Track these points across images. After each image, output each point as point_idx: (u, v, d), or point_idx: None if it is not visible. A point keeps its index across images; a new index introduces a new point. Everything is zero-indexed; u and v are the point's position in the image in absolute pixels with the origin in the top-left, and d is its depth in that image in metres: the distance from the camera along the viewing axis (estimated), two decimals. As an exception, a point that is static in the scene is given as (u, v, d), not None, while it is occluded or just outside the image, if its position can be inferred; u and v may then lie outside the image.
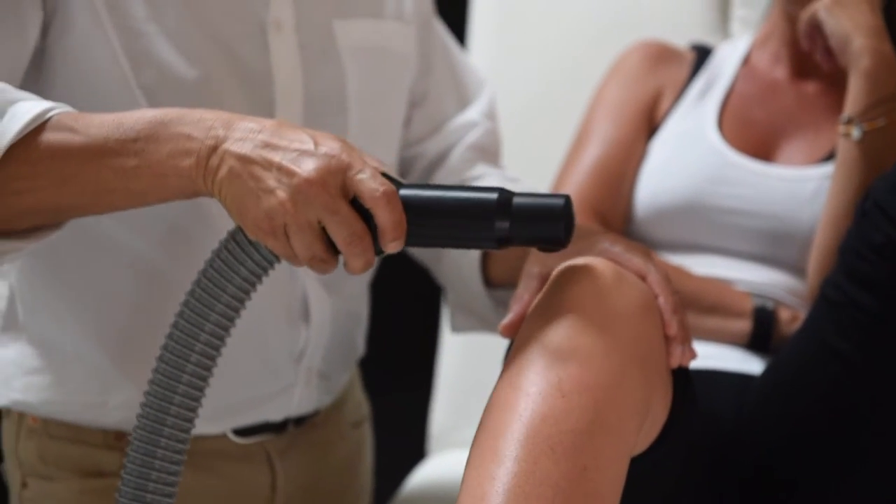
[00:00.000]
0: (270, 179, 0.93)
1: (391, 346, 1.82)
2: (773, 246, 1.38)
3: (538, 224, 0.95)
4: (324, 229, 0.94)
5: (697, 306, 1.33)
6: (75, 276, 1.18)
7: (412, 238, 0.96)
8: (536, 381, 0.93)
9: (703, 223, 1.40)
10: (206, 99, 1.14)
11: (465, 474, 0.92)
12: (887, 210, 1.14)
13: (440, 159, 1.36)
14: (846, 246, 1.19)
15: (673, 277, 1.08)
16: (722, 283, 1.37)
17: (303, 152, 0.94)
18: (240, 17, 1.17)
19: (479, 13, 1.86)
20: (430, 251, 1.36)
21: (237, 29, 1.17)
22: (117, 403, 1.19)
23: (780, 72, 1.48)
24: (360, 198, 0.93)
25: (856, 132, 1.30)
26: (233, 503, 1.27)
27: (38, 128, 0.99)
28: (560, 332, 0.95)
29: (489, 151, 1.39)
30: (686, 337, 1.05)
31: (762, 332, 1.34)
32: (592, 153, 1.47)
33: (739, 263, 1.39)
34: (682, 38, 1.61)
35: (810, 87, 1.46)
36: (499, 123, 1.43)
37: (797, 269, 1.37)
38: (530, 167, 1.55)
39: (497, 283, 1.28)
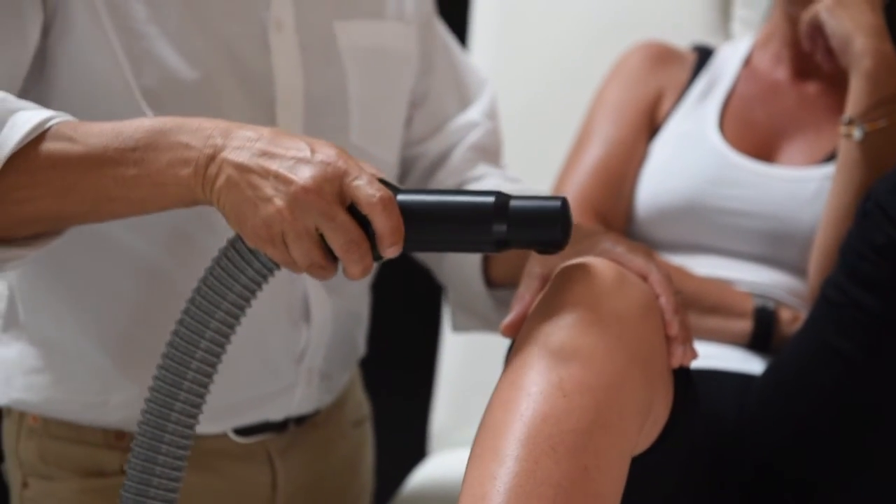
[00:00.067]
0: (268, 188, 0.94)
1: (392, 346, 1.83)
2: (774, 246, 1.38)
3: (536, 227, 0.95)
4: (322, 236, 0.95)
5: (698, 306, 1.33)
6: (77, 277, 1.18)
7: (410, 243, 0.96)
8: (538, 381, 0.93)
9: (704, 224, 1.40)
10: (207, 100, 1.14)
11: (466, 473, 0.92)
12: (888, 210, 1.14)
13: (441, 159, 1.36)
14: (847, 246, 1.19)
15: (674, 278, 1.08)
16: (723, 284, 1.37)
17: (299, 160, 0.94)
18: (241, 17, 1.17)
19: (481, 13, 1.86)
20: (432, 251, 1.36)
21: (238, 29, 1.17)
22: (118, 403, 1.19)
23: (782, 72, 1.48)
24: (357, 204, 0.94)
25: (857, 133, 1.30)
26: (234, 502, 1.26)
27: (37, 137, 1.00)
28: (561, 332, 0.95)
29: (490, 151, 1.39)
30: (687, 337, 1.05)
31: (763, 332, 1.34)
32: (593, 154, 1.47)
33: (740, 264, 1.39)
34: (683, 39, 1.61)
35: (811, 88, 1.46)
36: (500, 123, 1.43)
37: (798, 270, 1.37)
38: (531, 167, 1.55)
39: (498, 283, 1.28)
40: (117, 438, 1.21)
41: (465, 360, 1.75)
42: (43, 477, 1.22)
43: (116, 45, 1.11)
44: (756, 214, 1.38)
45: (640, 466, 1.00)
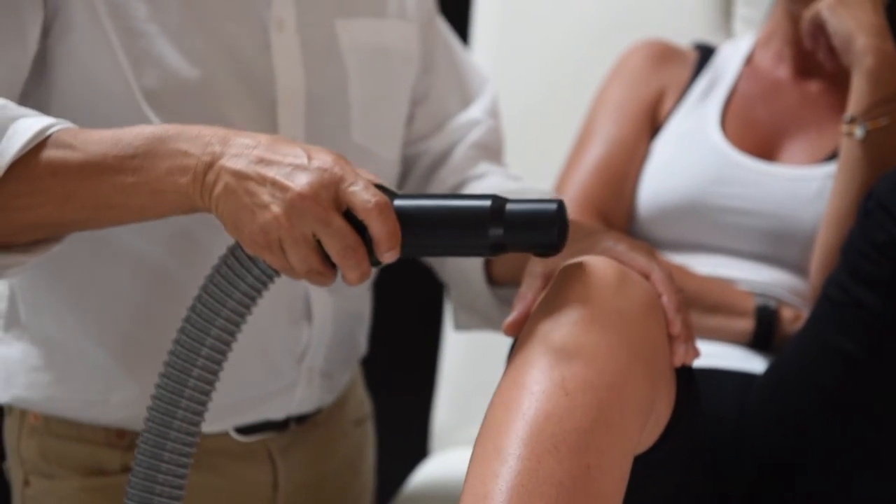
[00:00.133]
0: (265, 194, 0.94)
1: (394, 345, 1.83)
2: (776, 245, 1.38)
3: (532, 230, 0.96)
4: (319, 242, 0.95)
5: (700, 305, 1.33)
6: (79, 277, 1.18)
7: (407, 248, 0.97)
8: (540, 380, 0.93)
9: (705, 223, 1.40)
10: (207, 99, 1.14)
11: (468, 472, 0.92)
12: (890, 209, 1.14)
13: (443, 157, 1.36)
14: (849, 245, 1.19)
15: (675, 277, 1.08)
16: (724, 283, 1.37)
17: (296, 167, 0.95)
18: (241, 16, 1.17)
19: (482, 12, 1.86)
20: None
21: (239, 29, 1.17)
22: (119, 401, 1.19)
23: (783, 71, 1.48)
24: (353, 209, 0.95)
25: (859, 131, 1.30)
26: (235, 501, 1.26)
27: (38, 145, 1.00)
28: (564, 331, 0.95)
29: (492, 149, 1.39)
30: (689, 336, 1.05)
31: (764, 331, 1.34)
32: (595, 153, 1.47)
33: (742, 263, 1.39)
34: (684, 38, 1.61)
35: (813, 87, 1.46)
36: (501, 122, 1.43)
37: (800, 269, 1.37)
38: (533, 166, 1.55)
39: (500, 281, 1.28)
40: (118, 437, 1.21)
41: (467, 359, 1.74)
42: (44, 475, 1.22)
43: (116, 45, 1.11)
44: (758, 213, 1.38)
45: (642, 465, 1.00)
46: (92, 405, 1.20)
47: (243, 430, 1.25)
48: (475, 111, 1.38)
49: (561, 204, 0.96)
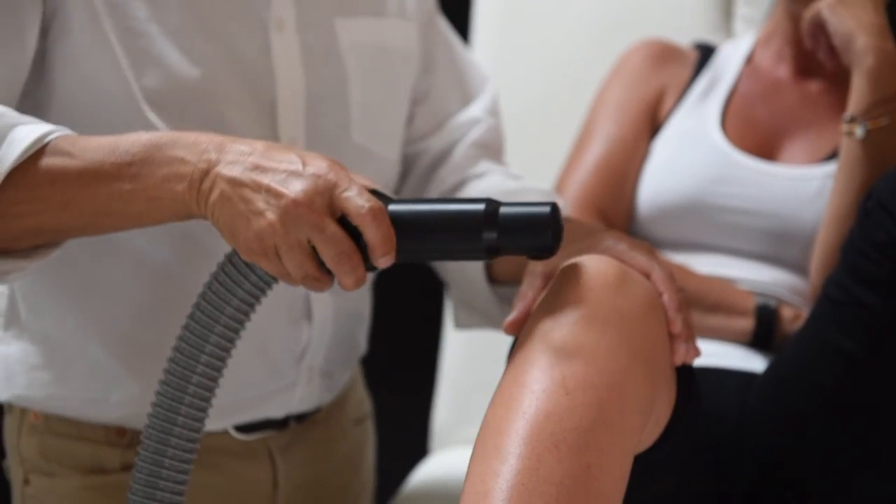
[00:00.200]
0: (260, 201, 0.95)
1: (394, 344, 1.82)
2: (776, 245, 1.38)
3: (526, 234, 0.96)
4: (315, 248, 0.96)
5: (700, 305, 1.33)
6: (79, 276, 1.18)
7: (402, 253, 0.97)
8: (541, 379, 0.93)
9: (705, 222, 1.40)
10: (207, 99, 1.14)
11: (468, 471, 0.92)
12: (890, 209, 1.14)
13: (443, 156, 1.36)
14: (849, 244, 1.19)
15: (676, 276, 1.08)
16: (724, 282, 1.37)
17: (291, 173, 0.95)
18: (241, 16, 1.17)
19: (482, 12, 1.86)
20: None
21: (239, 29, 1.17)
22: (119, 399, 1.19)
23: (784, 70, 1.48)
24: (347, 215, 0.95)
25: (859, 131, 1.30)
26: (234, 499, 1.26)
27: (36, 153, 1.01)
28: (564, 330, 0.95)
29: (492, 148, 1.38)
30: (690, 335, 1.05)
31: (764, 330, 1.34)
32: (595, 152, 1.47)
33: (742, 262, 1.39)
34: (685, 37, 1.61)
35: (813, 86, 1.46)
36: (502, 121, 1.43)
37: (800, 268, 1.37)
38: (533, 166, 1.55)
39: (501, 280, 1.28)
40: (118, 435, 1.21)
41: (467, 358, 1.75)
42: (44, 473, 1.22)
43: (116, 45, 1.11)
44: (758, 213, 1.38)
45: (643, 464, 1.00)
46: (92, 403, 1.20)
47: (243, 428, 1.25)
48: (475, 110, 1.38)
49: (554, 207, 0.96)
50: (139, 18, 1.12)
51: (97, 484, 1.21)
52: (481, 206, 0.96)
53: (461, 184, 1.33)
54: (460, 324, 1.38)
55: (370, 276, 1.35)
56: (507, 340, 1.08)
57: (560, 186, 1.47)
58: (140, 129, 1.09)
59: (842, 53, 1.33)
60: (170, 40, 1.13)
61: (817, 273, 1.32)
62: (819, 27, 1.37)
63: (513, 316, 1.05)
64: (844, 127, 1.31)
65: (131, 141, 1.00)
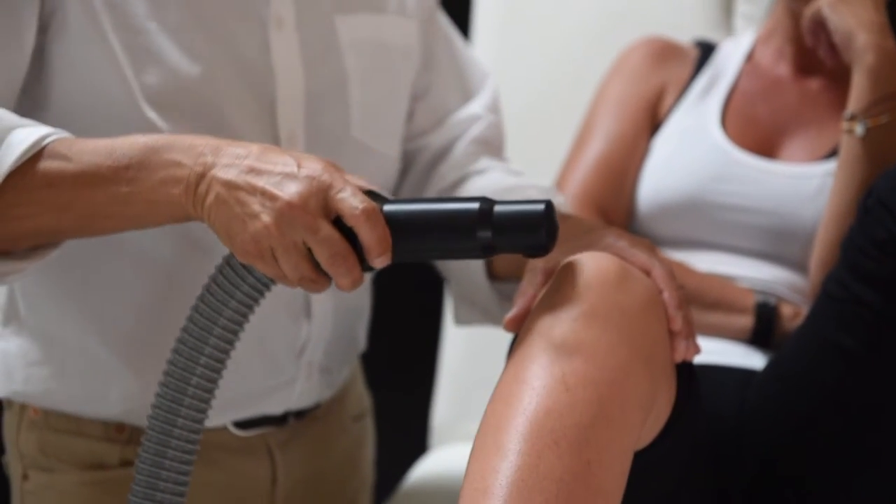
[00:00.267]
0: (255, 204, 0.96)
1: (394, 340, 1.83)
2: (776, 243, 1.38)
3: (520, 232, 0.96)
4: (310, 250, 0.96)
5: (700, 302, 1.33)
6: (79, 272, 1.18)
7: (398, 253, 0.98)
8: (541, 375, 0.93)
9: (705, 220, 1.40)
10: (207, 97, 1.14)
11: (468, 467, 0.92)
12: (890, 206, 1.14)
13: (444, 153, 1.36)
14: (849, 242, 1.19)
15: (676, 273, 1.08)
16: (724, 280, 1.37)
17: (286, 175, 0.96)
18: (241, 13, 1.17)
19: (483, 10, 1.86)
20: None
21: (238, 26, 1.17)
22: (118, 395, 1.19)
23: (784, 68, 1.48)
24: (342, 216, 0.96)
25: (859, 129, 1.30)
26: (233, 495, 1.26)
27: (34, 156, 1.01)
28: (565, 327, 0.95)
29: (493, 145, 1.38)
30: (690, 332, 1.05)
31: (764, 327, 1.34)
32: (595, 149, 1.47)
33: (742, 260, 1.39)
34: (685, 35, 1.61)
35: (814, 84, 1.46)
36: (502, 117, 1.43)
37: (800, 266, 1.37)
38: (533, 163, 1.54)
39: (501, 276, 1.28)
40: (118, 431, 1.21)
41: (467, 354, 1.75)
42: (43, 469, 1.22)
43: (115, 43, 1.11)
44: (758, 211, 1.38)
45: (643, 461, 1.00)
46: (91, 399, 1.20)
47: (242, 424, 1.25)
48: (476, 106, 1.38)
49: (549, 205, 0.96)
50: (138, 16, 1.12)
51: (96, 480, 1.21)
52: (476, 205, 0.96)
53: (461, 180, 1.33)
54: (460, 320, 1.38)
55: (368, 276, 1.35)
56: (507, 337, 1.08)
57: (560, 184, 1.47)
58: (139, 127, 1.10)
59: (842, 51, 1.33)
60: (169, 38, 1.13)
61: (817, 271, 1.32)
62: (819, 25, 1.37)
63: (513, 313, 1.05)
64: (845, 125, 1.31)
65: (128, 144, 1.01)
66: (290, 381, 1.26)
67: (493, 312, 1.30)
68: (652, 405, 0.99)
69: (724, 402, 1.24)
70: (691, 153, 1.43)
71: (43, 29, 1.11)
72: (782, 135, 1.44)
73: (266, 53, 1.18)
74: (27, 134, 1.01)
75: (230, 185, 0.97)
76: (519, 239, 0.96)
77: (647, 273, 1.05)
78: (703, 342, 1.11)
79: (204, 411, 1.03)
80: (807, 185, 1.38)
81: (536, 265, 1.08)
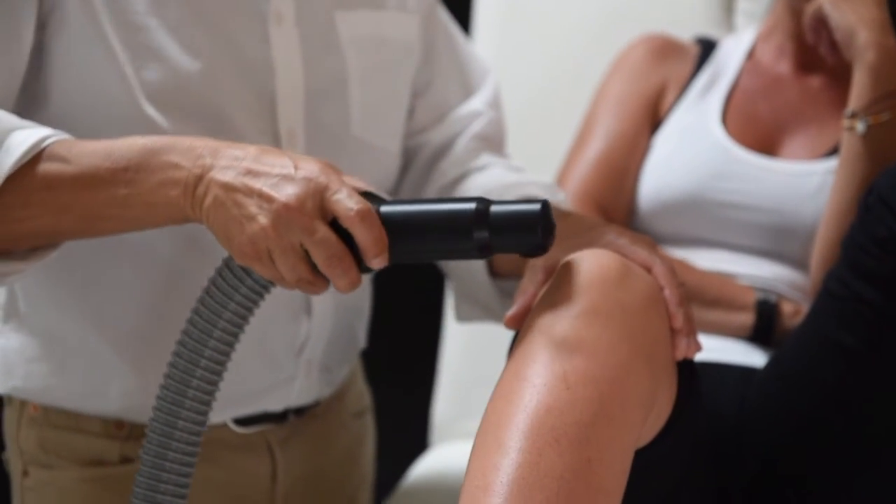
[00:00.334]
0: (252, 206, 0.96)
1: (394, 338, 1.83)
2: (777, 240, 1.38)
3: (517, 232, 0.96)
4: (308, 252, 0.96)
5: (700, 299, 1.33)
6: (79, 270, 1.18)
7: (395, 254, 0.98)
8: (542, 373, 0.93)
9: (706, 218, 1.40)
10: (208, 93, 1.14)
11: (469, 464, 0.92)
12: (891, 204, 1.14)
13: (444, 149, 1.36)
14: (850, 240, 1.19)
15: (676, 270, 1.08)
16: (724, 277, 1.37)
17: (283, 177, 0.96)
18: (241, 9, 1.17)
19: (484, 6, 1.86)
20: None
21: (238, 22, 1.17)
22: (118, 392, 1.19)
23: (785, 66, 1.48)
24: (338, 217, 0.96)
25: (860, 126, 1.30)
26: (233, 492, 1.26)
27: (33, 159, 1.02)
28: (565, 324, 0.95)
29: (494, 141, 1.38)
30: (691, 329, 1.05)
31: (764, 325, 1.34)
32: (596, 147, 1.47)
33: (742, 258, 1.39)
34: (686, 32, 1.61)
35: (814, 82, 1.46)
36: (503, 113, 1.43)
37: (800, 264, 1.37)
38: (534, 161, 1.54)
39: (502, 273, 1.28)
40: (117, 428, 1.21)
41: (467, 352, 1.74)
42: (43, 466, 1.22)
43: (114, 39, 1.11)
44: (758, 208, 1.38)
45: (643, 459, 0.99)
46: (91, 396, 1.20)
47: (242, 421, 1.25)
48: (476, 103, 1.38)
49: (545, 204, 0.96)
50: (138, 12, 1.12)
51: (96, 476, 1.21)
52: (472, 206, 0.96)
53: (462, 177, 1.33)
54: (461, 316, 1.38)
55: (366, 277, 1.35)
56: (508, 334, 1.08)
57: (560, 181, 1.47)
58: (138, 124, 1.10)
59: (843, 49, 1.33)
60: (169, 34, 1.13)
61: (818, 268, 1.32)
62: (820, 22, 1.36)
63: (514, 310, 1.05)
64: (845, 122, 1.31)
65: (127, 146, 1.01)
66: (290, 378, 1.26)
67: (494, 309, 1.30)
68: (653, 403, 0.99)
69: (725, 401, 1.24)
70: (692, 151, 1.43)
71: (42, 26, 1.11)
72: (783, 132, 1.44)
73: (266, 49, 1.18)
74: (26, 136, 1.02)
75: (228, 188, 0.97)
76: (515, 239, 0.96)
77: (648, 270, 1.05)
78: (704, 340, 1.11)
79: (205, 413, 1.04)
80: (807, 182, 1.38)
81: (537, 263, 1.08)
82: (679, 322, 1.03)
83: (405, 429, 1.85)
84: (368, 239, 0.95)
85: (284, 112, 1.19)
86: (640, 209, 1.45)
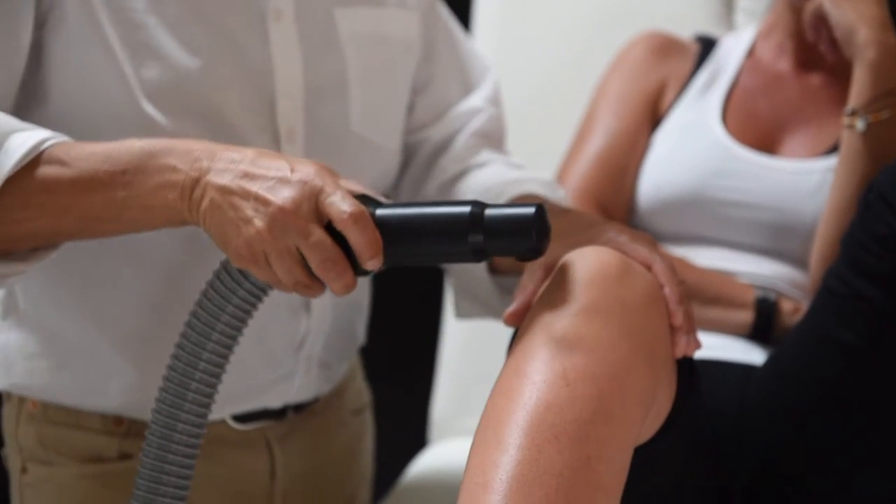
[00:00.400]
0: (248, 209, 0.96)
1: (393, 335, 1.83)
2: (776, 238, 1.38)
3: (511, 236, 0.96)
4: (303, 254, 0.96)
5: (700, 297, 1.33)
6: (79, 269, 1.18)
7: (390, 257, 0.98)
8: (541, 370, 0.93)
9: (706, 216, 1.40)
10: (207, 90, 1.14)
11: (468, 461, 0.92)
12: (891, 202, 1.14)
13: (444, 146, 1.36)
14: (850, 237, 1.19)
15: (676, 268, 1.08)
16: (724, 275, 1.37)
17: (279, 180, 0.97)
18: (239, 6, 1.17)
19: (484, 3, 1.86)
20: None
21: (237, 19, 1.17)
22: (118, 388, 1.19)
23: (785, 63, 1.48)
24: (332, 220, 0.96)
25: (860, 124, 1.30)
26: (232, 489, 1.26)
27: (32, 161, 1.02)
28: (565, 321, 0.95)
29: (494, 138, 1.38)
30: (691, 327, 1.04)
31: (764, 323, 1.34)
32: (596, 144, 1.47)
33: (742, 255, 1.39)
34: (686, 30, 1.61)
35: (814, 79, 1.46)
36: (503, 110, 1.43)
37: (800, 262, 1.37)
38: (534, 158, 1.54)
39: (503, 270, 1.28)
40: (116, 424, 1.21)
41: (467, 349, 1.75)
42: (42, 462, 1.22)
43: (113, 37, 1.11)
44: (758, 206, 1.38)
45: (643, 457, 0.99)
46: (90, 392, 1.20)
47: (241, 418, 1.25)
48: (476, 99, 1.38)
49: (540, 208, 0.96)
50: (137, 10, 1.12)
51: (95, 473, 1.21)
52: (467, 209, 0.96)
53: (462, 173, 1.33)
54: (461, 313, 1.38)
55: (364, 279, 1.35)
56: (507, 332, 1.08)
57: (560, 178, 1.47)
58: (137, 122, 1.10)
59: (843, 46, 1.33)
60: (168, 32, 1.13)
61: (817, 266, 1.31)
62: (821, 20, 1.36)
63: (513, 307, 1.05)
64: (845, 120, 1.31)
65: (125, 148, 1.01)
66: (289, 374, 1.26)
67: (494, 306, 1.30)
68: (652, 400, 0.98)
69: (725, 398, 1.24)
70: (692, 149, 1.43)
71: (40, 24, 1.11)
72: (783, 130, 1.44)
73: (265, 46, 1.17)
74: (25, 138, 1.02)
75: (224, 190, 0.97)
76: (510, 243, 0.97)
77: (648, 268, 1.04)
78: (704, 337, 1.11)
79: (206, 412, 1.04)
80: (807, 180, 1.38)
81: (537, 260, 1.08)
82: (679, 320, 1.03)
83: (404, 426, 1.85)
84: (362, 242, 0.96)
85: (284, 110, 1.19)
86: (639, 207, 1.45)
